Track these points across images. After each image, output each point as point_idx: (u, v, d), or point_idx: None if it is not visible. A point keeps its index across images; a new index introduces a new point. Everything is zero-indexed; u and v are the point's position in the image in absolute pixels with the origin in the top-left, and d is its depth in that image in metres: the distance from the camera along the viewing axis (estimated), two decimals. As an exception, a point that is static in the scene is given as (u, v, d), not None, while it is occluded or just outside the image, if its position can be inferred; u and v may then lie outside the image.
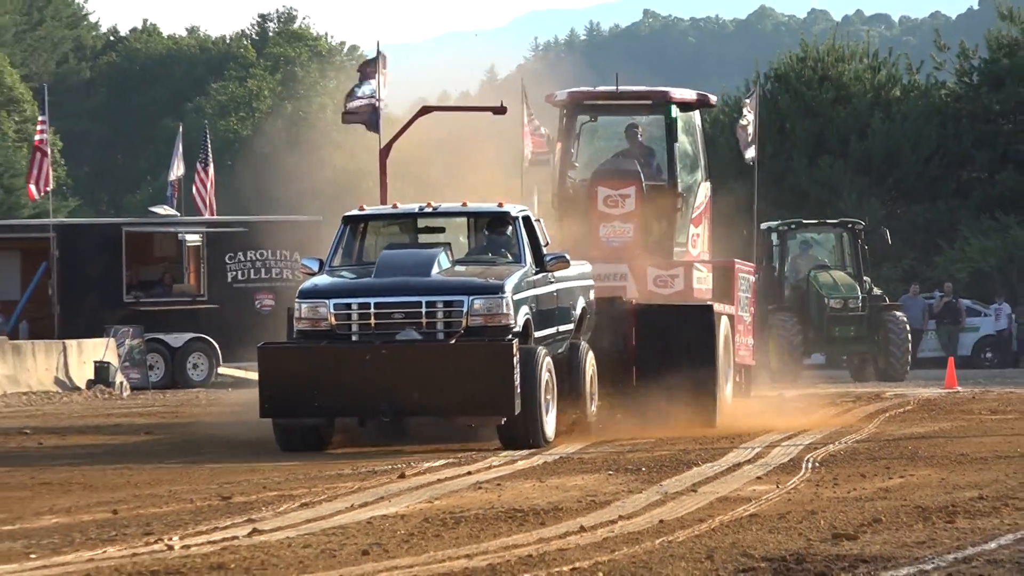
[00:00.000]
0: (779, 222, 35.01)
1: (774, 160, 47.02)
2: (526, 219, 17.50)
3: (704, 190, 21.91)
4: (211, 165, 42.85)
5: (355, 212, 17.83)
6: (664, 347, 18.68)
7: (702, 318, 19.19)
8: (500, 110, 22.06)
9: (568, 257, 17.48)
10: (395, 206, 18.31)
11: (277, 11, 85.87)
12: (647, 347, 18.80)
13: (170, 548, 9.75)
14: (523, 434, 16.09)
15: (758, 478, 13.36)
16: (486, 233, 17.65)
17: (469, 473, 14.05)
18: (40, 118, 36.90)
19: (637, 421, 18.08)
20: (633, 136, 21.45)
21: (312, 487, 13.00)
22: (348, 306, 16.21)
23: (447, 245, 17.25)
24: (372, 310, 16.16)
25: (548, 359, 16.48)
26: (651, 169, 21.11)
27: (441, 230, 18.15)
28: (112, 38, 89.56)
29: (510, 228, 17.30)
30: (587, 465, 14.66)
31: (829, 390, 28.83)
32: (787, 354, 32.15)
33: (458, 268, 16.92)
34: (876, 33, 77.19)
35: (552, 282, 17.48)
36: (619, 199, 20.63)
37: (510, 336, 15.93)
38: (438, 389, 15.84)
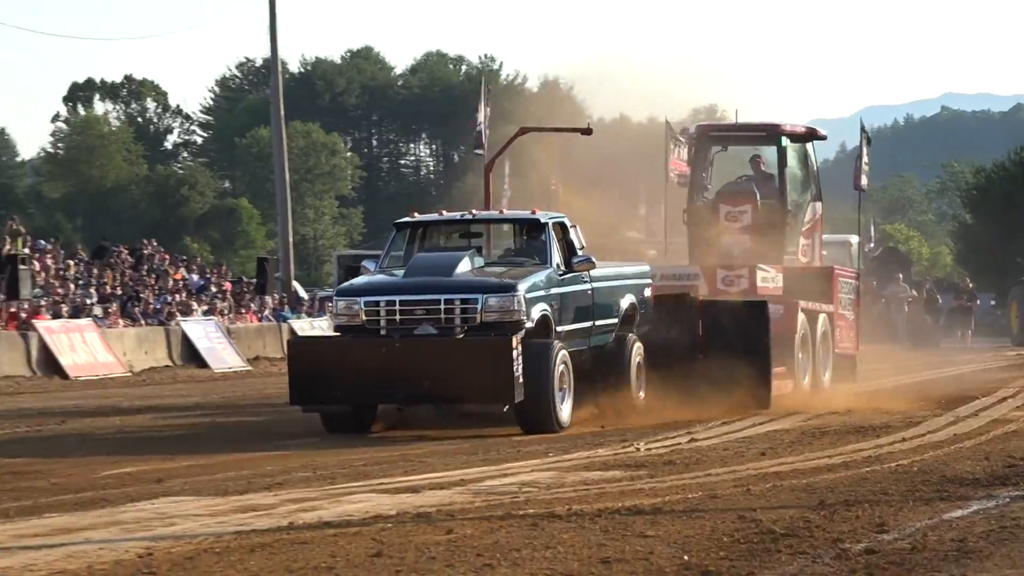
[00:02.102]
0: None
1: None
2: (558, 225, 18.95)
3: (814, 209, 24.96)
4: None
5: (404, 219, 19.75)
6: (725, 339, 20.33)
7: (756, 313, 20.78)
8: (587, 131, 23.84)
9: (594, 259, 18.90)
10: (441, 213, 20.45)
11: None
12: (711, 339, 20.50)
13: (637, 450, 15.46)
14: (536, 420, 17.59)
15: (1017, 407, 20.22)
16: (523, 238, 19.25)
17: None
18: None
19: (697, 403, 19.46)
20: (755, 164, 24.90)
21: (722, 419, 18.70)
22: (377, 303, 17.64)
23: (478, 248, 19.00)
24: (397, 307, 17.58)
25: (564, 352, 17.90)
26: (768, 191, 24.27)
27: (479, 235, 19.91)
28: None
29: (542, 233, 18.72)
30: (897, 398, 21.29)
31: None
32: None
33: (484, 269, 18.39)
34: None
35: (585, 282, 18.96)
36: (738, 215, 23.92)
37: (522, 331, 17.28)
38: (446, 379, 17.23)
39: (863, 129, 28.54)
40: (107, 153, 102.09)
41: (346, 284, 18.72)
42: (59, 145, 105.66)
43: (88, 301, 35.28)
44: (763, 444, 15.90)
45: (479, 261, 18.52)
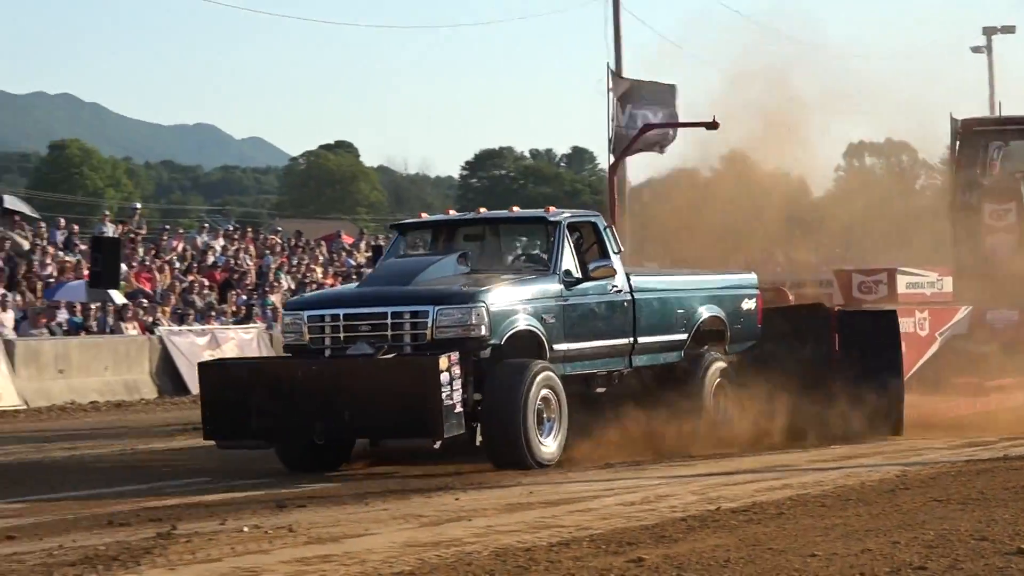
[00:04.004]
0: None
1: None
2: (575, 226, 16.63)
3: None
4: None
5: (401, 221, 18.20)
6: (857, 353, 18.29)
7: (884, 323, 18.53)
8: (713, 125, 22.03)
9: (613, 265, 16.46)
10: (447, 212, 18.61)
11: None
12: (842, 353, 18.37)
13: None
14: (504, 454, 14.97)
15: None
16: (530, 241, 17.17)
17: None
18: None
19: (817, 429, 17.45)
20: None
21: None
22: (321, 318, 15.20)
23: (463, 254, 16.34)
24: (341, 322, 15.09)
25: (548, 374, 15.20)
26: None
27: (481, 237, 17.11)
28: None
29: (551, 236, 16.33)
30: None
31: None
32: None
33: (458, 276, 15.72)
34: None
35: (617, 291, 16.55)
36: (1002, 213, 22.53)
37: (486, 350, 14.94)
38: (367, 409, 14.51)
39: None
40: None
41: (296, 297, 17.06)
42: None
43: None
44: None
45: (460, 268, 15.95)
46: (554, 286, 15.86)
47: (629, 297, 16.76)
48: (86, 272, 30.84)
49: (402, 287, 15.34)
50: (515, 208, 18.00)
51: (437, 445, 14.49)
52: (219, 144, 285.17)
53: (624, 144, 23.59)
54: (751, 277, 18.89)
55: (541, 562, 9.49)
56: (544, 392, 15.12)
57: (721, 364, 17.66)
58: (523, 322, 15.34)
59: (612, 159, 23.06)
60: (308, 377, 14.70)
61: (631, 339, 16.74)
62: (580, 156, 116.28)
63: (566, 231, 16.34)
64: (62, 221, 36.31)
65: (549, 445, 15.23)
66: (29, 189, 70.96)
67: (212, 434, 15.23)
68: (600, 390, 16.73)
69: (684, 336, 17.54)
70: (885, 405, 17.83)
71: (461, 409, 14.41)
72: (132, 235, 35.81)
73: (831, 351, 18.44)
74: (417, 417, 14.36)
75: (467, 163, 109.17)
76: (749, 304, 18.53)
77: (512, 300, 15.36)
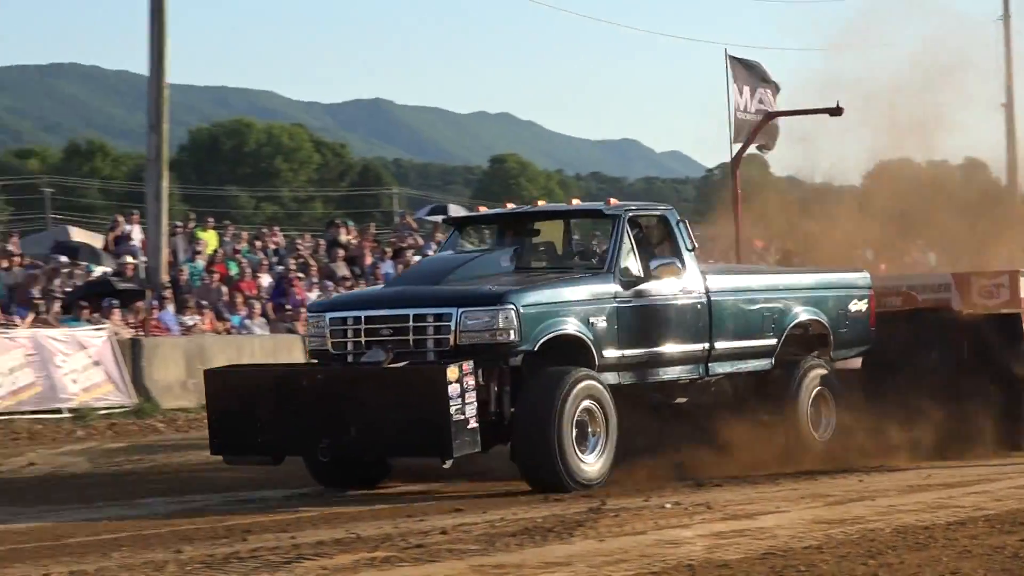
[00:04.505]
0: None
1: None
2: (641, 221, 15.04)
3: None
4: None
5: (456, 215, 17.54)
6: (976, 362, 16.66)
7: (1007, 328, 16.78)
8: (837, 111, 20.38)
9: (678, 263, 14.74)
10: (505, 205, 16.65)
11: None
12: (964, 362, 16.76)
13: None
14: (537, 473, 13.31)
15: None
16: (583, 236, 15.95)
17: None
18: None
19: (930, 444, 15.62)
20: None
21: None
22: (343, 320, 13.72)
23: (513, 249, 14.88)
24: (363, 325, 13.58)
25: (589, 383, 13.49)
26: None
27: (537, 233, 15.59)
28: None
29: (611, 230, 14.66)
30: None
31: None
32: None
33: (497, 276, 14.14)
34: None
35: (689, 293, 14.80)
36: None
37: (518, 357, 13.30)
38: (373, 423, 12.92)
39: None
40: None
41: (324, 298, 15.41)
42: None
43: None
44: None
45: (505, 265, 14.42)
46: (608, 286, 14.22)
47: (704, 299, 15.06)
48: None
49: (430, 286, 13.86)
50: (575, 200, 16.84)
51: (447, 464, 12.98)
52: (642, 157, 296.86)
53: (745, 132, 20.98)
54: (862, 276, 17.04)
55: (939, 539, 10.26)
56: (586, 404, 13.50)
57: (821, 371, 15.91)
58: (564, 326, 13.68)
59: (733, 150, 20.66)
60: (313, 387, 13.32)
61: (706, 344, 15.02)
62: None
63: (627, 225, 14.69)
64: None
65: (592, 462, 13.58)
66: (472, 199, 75.19)
67: (218, 448, 13.90)
68: (681, 400, 15.23)
69: (774, 341, 15.70)
70: (1002, 420, 16.17)
71: (476, 424, 12.82)
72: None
73: (959, 358, 16.82)
74: (423, 434, 12.84)
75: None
76: (859, 306, 16.65)
77: (552, 301, 13.72)
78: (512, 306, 13.24)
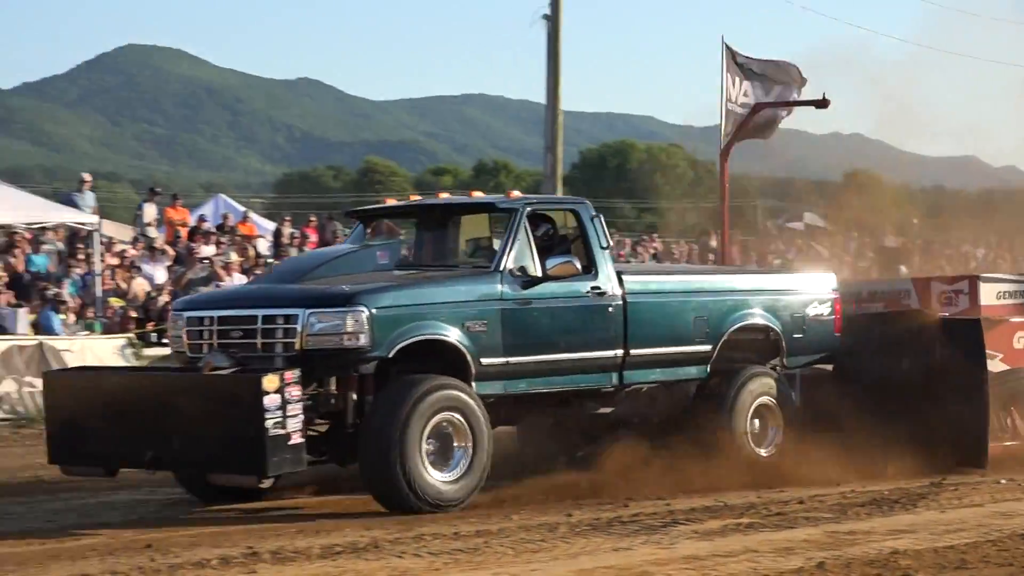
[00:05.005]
0: None
1: None
2: (539, 215, 13.65)
3: None
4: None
5: (358, 208, 15.28)
6: (931, 371, 15.22)
7: (966, 335, 15.21)
8: (823, 103, 20.01)
9: (576, 263, 13.21)
10: (410, 198, 16.01)
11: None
12: (940, 368, 15.15)
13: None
14: (382, 490, 12.14)
15: None
16: (480, 231, 14.42)
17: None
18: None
19: (880, 461, 14.23)
20: None
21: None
22: (200, 320, 12.67)
23: (400, 243, 14.53)
24: (216, 326, 12.52)
25: (448, 393, 12.22)
26: None
27: (437, 227, 14.35)
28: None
29: (506, 225, 13.33)
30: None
31: None
32: None
33: (366, 274, 12.96)
34: None
35: (598, 293, 13.46)
36: None
37: (370, 365, 12.13)
38: (192, 435, 11.79)
39: None
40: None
41: (187, 296, 14.80)
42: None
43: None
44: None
45: (381, 262, 13.26)
46: (492, 287, 12.88)
47: (619, 301, 13.68)
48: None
49: (287, 285, 12.75)
50: (475, 193, 15.47)
51: (265, 484, 12.06)
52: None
53: (734, 124, 19.88)
54: (824, 279, 15.67)
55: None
56: (444, 416, 12.25)
57: (767, 381, 14.56)
58: (428, 330, 12.36)
59: (723, 143, 19.62)
60: (139, 394, 12.22)
61: (620, 351, 13.62)
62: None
63: (524, 221, 13.30)
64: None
65: (450, 479, 12.32)
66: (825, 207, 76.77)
67: (54, 457, 12.77)
68: (605, 410, 14.02)
69: (708, 347, 14.27)
70: (958, 435, 14.76)
71: (301, 440, 11.52)
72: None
73: (930, 366, 15.23)
74: (237, 449, 11.58)
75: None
76: (820, 310, 15.25)
77: (415, 303, 12.39)
78: (363, 308, 12.00)
